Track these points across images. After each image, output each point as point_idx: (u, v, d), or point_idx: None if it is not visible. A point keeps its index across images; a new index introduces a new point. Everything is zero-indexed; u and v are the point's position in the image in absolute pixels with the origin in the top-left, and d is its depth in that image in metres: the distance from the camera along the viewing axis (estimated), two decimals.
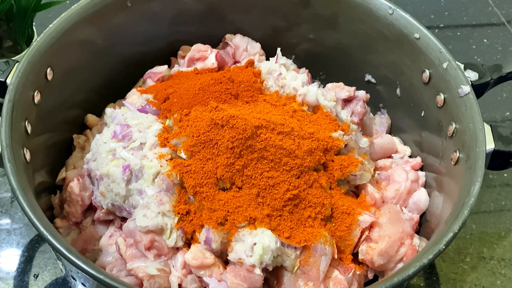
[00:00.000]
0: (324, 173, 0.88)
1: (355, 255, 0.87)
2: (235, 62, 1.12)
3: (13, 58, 1.02)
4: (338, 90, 1.04)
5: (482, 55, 1.38)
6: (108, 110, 0.97)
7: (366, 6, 1.01)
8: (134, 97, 1.00)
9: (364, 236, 0.86)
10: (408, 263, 0.75)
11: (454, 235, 0.73)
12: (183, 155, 0.84)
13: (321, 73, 1.16)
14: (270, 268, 0.80)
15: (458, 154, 0.86)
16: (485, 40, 1.42)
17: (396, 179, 0.94)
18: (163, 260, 0.82)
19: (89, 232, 0.90)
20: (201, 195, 0.81)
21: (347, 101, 1.04)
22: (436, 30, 1.43)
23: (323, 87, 1.07)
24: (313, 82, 1.11)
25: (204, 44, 1.09)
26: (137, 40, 1.07)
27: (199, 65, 1.07)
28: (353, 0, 1.02)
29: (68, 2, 1.26)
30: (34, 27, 1.19)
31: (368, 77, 1.09)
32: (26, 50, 0.88)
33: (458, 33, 1.44)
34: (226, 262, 0.82)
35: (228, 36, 1.13)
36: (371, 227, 0.87)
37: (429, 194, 0.94)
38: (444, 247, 0.72)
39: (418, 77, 0.96)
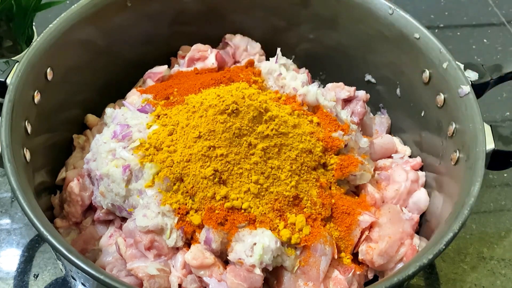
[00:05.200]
0: (324, 173, 0.88)
1: (355, 255, 0.87)
2: (235, 62, 1.12)
3: (13, 58, 1.02)
4: (338, 90, 1.04)
5: (482, 55, 1.38)
6: (108, 110, 0.97)
7: (366, 6, 1.01)
8: (134, 97, 1.00)
9: (364, 236, 0.86)
10: (408, 263, 0.75)
11: (454, 235, 0.73)
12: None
13: (321, 73, 1.16)
14: (270, 268, 0.80)
15: (458, 154, 0.86)
16: (485, 40, 1.42)
17: (396, 179, 0.94)
18: (163, 260, 0.82)
19: (89, 232, 0.90)
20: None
21: (347, 101, 1.04)
22: (436, 30, 1.44)
23: (323, 87, 1.07)
24: (313, 82, 1.11)
25: (204, 44, 1.09)
26: (137, 40, 1.07)
27: (199, 65, 1.07)
28: (353, 0, 1.02)
29: (68, 2, 1.26)
30: (34, 27, 1.19)
31: (368, 77, 1.09)
32: (26, 50, 0.88)
33: (458, 33, 1.44)
34: (226, 262, 0.82)
35: (228, 36, 1.13)
36: (371, 227, 0.87)
37: (429, 194, 0.94)
38: (444, 247, 0.72)
39: (418, 77, 0.96)
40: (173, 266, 0.82)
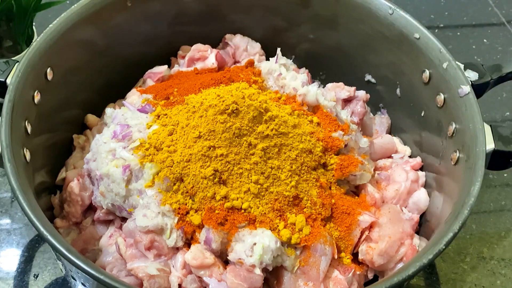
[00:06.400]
0: (324, 173, 0.88)
1: (355, 255, 0.87)
2: (235, 62, 1.12)
3: (13, 58, 1.01)
4: (338, 90, 1.04)
5: (482, 55, 1.38)
6: (108, 110, 0.97)
7: (366, 6, 1.01)
8: (134, 97, 1.00)
9: (364, 236, 0.86)
10: (408, 263, 0.75)
11: (454, 235, 0.73)
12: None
13: (321, 73, 1.16)
14: (270, 268, 0.80)
15: (458, 154, 0.86)
16: (485, 40, 1.42)
17: (396, 179, 0.94)
18: (163, 260, 0.82)
19: (89, 232, 0.90)
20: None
21: (347, 101, 1.04)
22: (436, 30, 1.43)
23: (323, 87, 1.07)
24: (313, 82, 1.11)
25: (204, 44, 1.09)
26: (137, 40, 1.07)
27: (199, 65, 1.07)
28: (353, 0, 1.02)
29: (68, 2, 1.26)
30: (34, 27, 1.19)
31: (368, 77, 1.09)
32: (26, 50, 0.88)
33: (458, 33, 1.44)
34: (226, 262, 0.82)
35: (228, 36, 1.13)
36: (371, 227, 0.87)
37: (429, 194, 0.94)
38: (444, 247, 0.72)
39: (418, 77, 0.96)
40: (173, 266, 0.82)
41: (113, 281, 0.68)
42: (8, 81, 0.85)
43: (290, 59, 1.08)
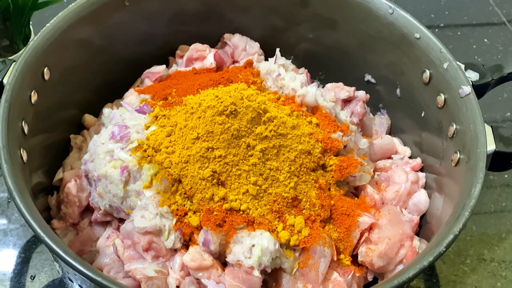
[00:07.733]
0: (323, 174, 0.87)
1: (354, 257, 0.87)
2: (234, 62, 1.11)
3: (9, 58, 1.01)
4: (338, 90, 1.04)
5: (482, 55, 1.38)
6: (106, 111, 0.97)
7: (366, 6, 1.00)
8: (132, 97, 0.99)
9: (363, 238, 0.86)
10: (408, 265, 0.75)
11: (454, 237, 0.73)
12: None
13: (321, 73, 1.16)
14: (269, 270, 0.80)
15: (458, 155, 0.85)
16: (485, 40, 1.42)
17: (396, 180, 0.94)
18: (161, 261, 0.82)
19: (86, 233, 0.90)
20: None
21: (346, 101, 1.04)
22: (437, 30, 1.43)
23: (323, 87, 1.06)
24: (312, 82, 1.11)
25: (203, 43, 1.09)
26: (135, 40, 1.07)
27: (197, 65, 1.06)
28: (353, 0, 1.02)
29: (65, 1, 1.25)
30: (31, 26, 1.19)
31: (368, 77, 1.09)
32: (23, 49, 0.88)
33: (459, 33, 1.43)
34: (224, 264, 0.82)
35: (226, 35, 1.12)
36: (370, 228, 0.86)
37: (429, 196, 0.93)
38: (444, 249, 0.72)
39: (418, 77, 0.96)
40: (171, 267, 0.82)
41: (111, 283, 0.68)
42: (4, 80, 0.84)
43: (290, 59, 1.08)
